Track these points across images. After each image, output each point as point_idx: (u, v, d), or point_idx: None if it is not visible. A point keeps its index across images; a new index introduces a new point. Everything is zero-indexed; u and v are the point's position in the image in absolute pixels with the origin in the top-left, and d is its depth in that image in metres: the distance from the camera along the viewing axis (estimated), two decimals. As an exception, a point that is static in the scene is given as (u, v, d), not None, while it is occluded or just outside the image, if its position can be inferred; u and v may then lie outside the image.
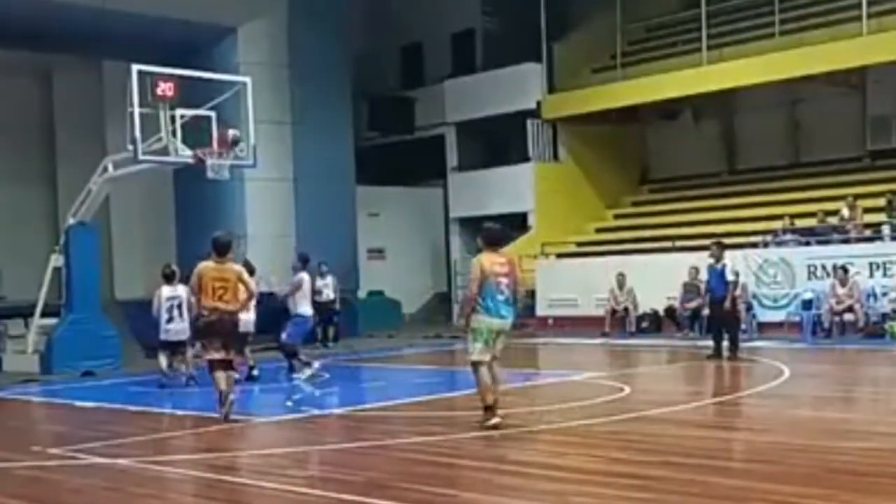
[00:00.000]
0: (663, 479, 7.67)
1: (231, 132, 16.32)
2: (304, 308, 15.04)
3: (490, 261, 9.78)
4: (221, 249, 11.37)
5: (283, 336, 14.95)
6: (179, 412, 12.01)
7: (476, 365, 9.82)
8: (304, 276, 15.16)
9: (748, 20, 24.74)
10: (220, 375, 11.09)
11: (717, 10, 24.70)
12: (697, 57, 24.09)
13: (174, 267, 14.98)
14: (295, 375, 14.78)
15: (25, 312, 18.80)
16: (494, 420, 9.76)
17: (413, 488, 7.67)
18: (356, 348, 20.57)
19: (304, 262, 15.53)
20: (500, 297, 9.73)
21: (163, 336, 14.54)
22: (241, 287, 11.34)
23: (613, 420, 10.54)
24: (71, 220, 17.90)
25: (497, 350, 9.90)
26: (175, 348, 14.62)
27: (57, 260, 17.96)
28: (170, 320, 14.43)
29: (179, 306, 14.40)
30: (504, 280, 9.75)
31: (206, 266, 11.32)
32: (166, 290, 14.56)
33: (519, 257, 24.99)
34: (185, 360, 14.53)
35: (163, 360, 14.50)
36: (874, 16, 21.61)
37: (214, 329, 11.27)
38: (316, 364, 14.92)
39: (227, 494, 7.96)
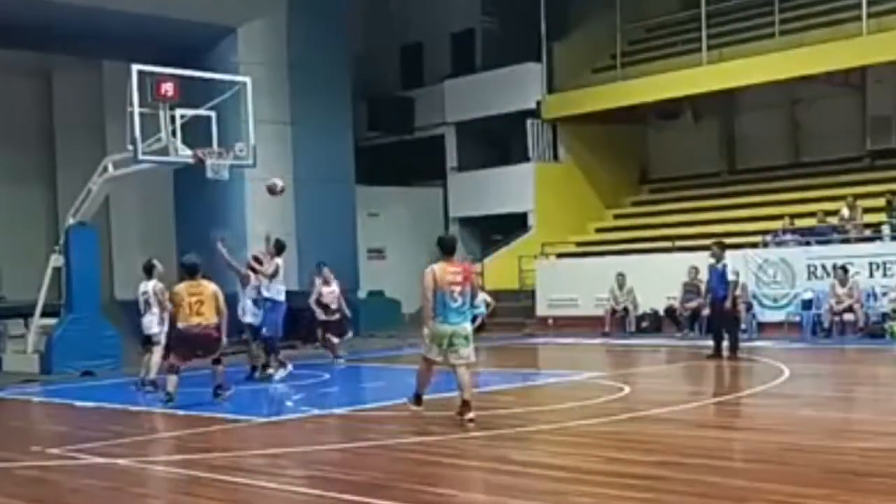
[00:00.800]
0: (663, 479, 7.67)
1: (278, 184, 16.25)
2: (277, 293, 15.06)
3: (443, 270, 10.18)
4: (191, 271, 12.66)
5: (263, 330, 14.91)
6: (180, 412, 12.00)
7: (426, 360, 10.46)
8: (279, 262, 15.25)
9: (748, 20, 24.74)
10: (174, 379, 12.40)
11: (717, 10, 24.70)
12: (697, 57, 24.08)
13: (154, 261, 14.88)
14: (268, 372, 14.85)
15: (25, 312, 18.79)
16: (418, 408, 10.60)
17: (413, 488, 7.67)
18: (356, 348, 20.56)
19: (279, 249, 15.45)
20: (453, 305, 10.13)
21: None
22: (218, 301, 12.46)
23: (613, 420, 10.54)
24: (71, 220, 17.90)
25: (463, 354, 10.24)
26: (147, 342, 14.58)
27: (57, 260, 17.95)
28: (141, 314, 14.49)
29: (147, 301, 14.41)
30: (457, 288, 10.15)
31: (180, 287, 12.61)
32: (141, 285, 14.63)
33: (519, 257, 25.26)
34: (149, 364, 14.29)
35: (147, 359, 14.48)
36: (874, 16, 21.61)
37: (193, 341, 12.47)
38: (290, 366, 14.98)
39: (227, 494, 7.95)
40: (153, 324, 14.33)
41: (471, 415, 10.07)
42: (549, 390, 13.93)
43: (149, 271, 14.66)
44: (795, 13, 23.92)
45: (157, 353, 14.15)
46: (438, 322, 10.16)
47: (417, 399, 10.64)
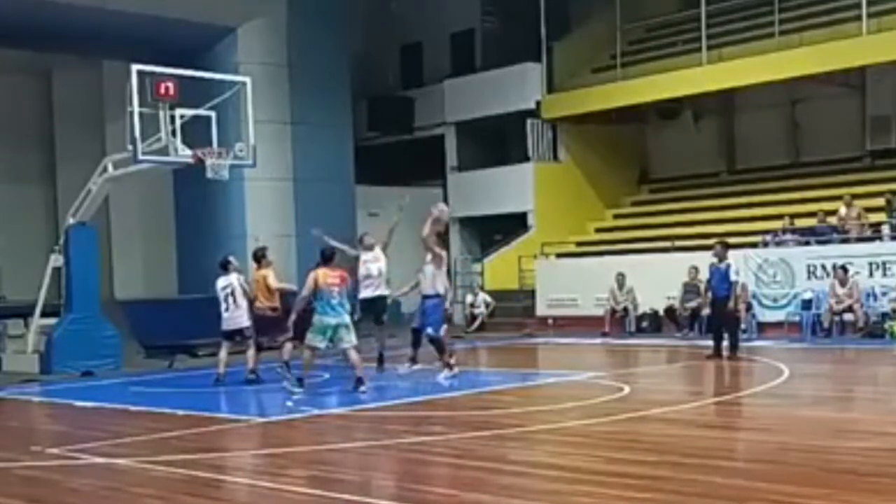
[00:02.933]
0: (663, 479, 7.67)
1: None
2: (439, 286, 14.22)
3: (324, 274, 12.80)
4: (254, 258, 14.74)
5: (430, 330, 14.07)
6: (180, 412, 12.01)
7: (310, 348, 12.82)
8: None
9: (748, 20, 24.71)
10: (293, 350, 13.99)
11: (717, 10, 24.68)
12: (697, 57, 24.07)
13: (230, 258, 14.93)
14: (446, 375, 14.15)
15: (25, 312, 18.77)
16: (301, 390, 12.76)
17: (413, 488, 7.67)
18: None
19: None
20: (333, 301, 12.69)
21: (222, 326, 14.52)
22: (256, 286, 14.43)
23: (613, 420, 10.54)
24: (71, 220, 17.90)
25: (347, 339, 12.80)
26: (233, 337, 14.59)
27: (57, 260, 17.95)
28: (226, 309, 14.44)
29: (233, 293, 14.43)
30: (335, 288, 12.73)
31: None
32: (221, 280, 14.53)
33: (519, 257, 25.27)
34: (247, 358, 14.48)
35: (223, 354, 14.51)
36: (874, 16, 21.59)
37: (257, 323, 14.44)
38: (456, 369, 14.19)
39: (227, 494, 7.96)
40: (244, 318, 14.47)
41: (364, 388, 12.68)
42: (549, 390, 13.92)
43: (226, 266, 14.66)
44: (795, 13, 23.90)
45: (252, 347, 14.49)
46: (324, 315, 12.65)
47: (300, 382, 12.85)
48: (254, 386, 14.16)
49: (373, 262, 15.19)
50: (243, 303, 14.45)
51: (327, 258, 13.15)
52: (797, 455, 8.50)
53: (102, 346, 17.53)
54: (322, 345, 12.81)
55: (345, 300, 12.88)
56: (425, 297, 14.27)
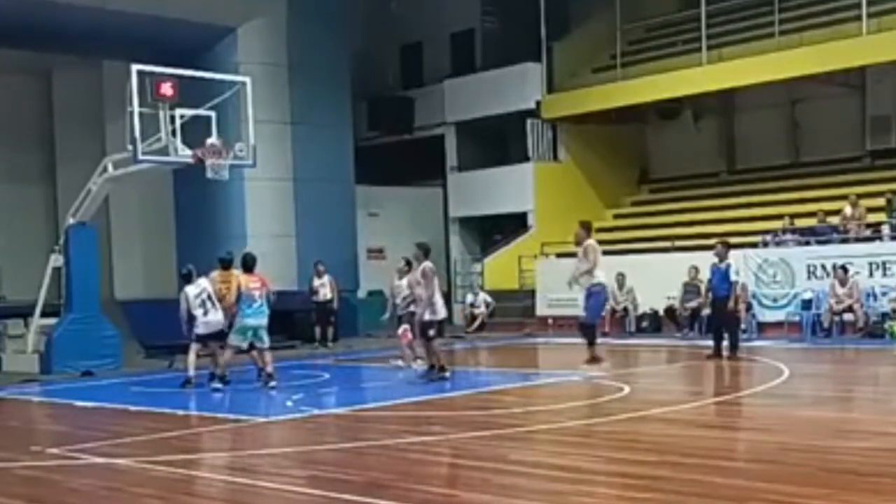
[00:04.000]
0: (663, 479, 7.67)
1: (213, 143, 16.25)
2: (600, 276, 14.59)
3: (246, 279, 13.93)
4: (224, 264, 14.70)
5: (583, 313, 14.53)
6: (180, 412, 12.01)
7: (231, 348, 13.90)
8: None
9: (748, 20, 24.73)
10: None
11: (717, 10, 24.69)
12: (697, 57, 24.08)
13: (190, 267, 14.83)
14: (584, 370, 14.45)
15: (25, 312, 18.78)
16: (225, 386, 13.78)
17: (413, 488, 7.67)
18: (355, 348, 20.58)
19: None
20: (255, 305, 13.80)
21: (201, 330, 14.31)
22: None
23: (613, 420, 10.55)
24: (71, 220, 17.90)
25: (266, 340, 13.95)
26: (210, 340, 14.47)
27: (57, 260, 17.96)
28: (204, 313, 14.30)
29: (210, 298, 14.33)
30: (256, 293, 13.86)
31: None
32: (191, 289, 14.39)
33: (519, 257, 25.27)
34: (220, 361, 14.29)
35: (192, 357, 14.39)
36: (874, 16, 21.60)
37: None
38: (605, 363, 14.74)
39: (227, 494, 7.96)
40: (222, 320, 14.38)
41: (273, 383, 13.60)
42: (549, 390, 13.92)
43: (188, 278, 14.52)
44: (795, 13, 23.91)
45: (221, 351, 14.36)
46: (246, 317, 13.70)
47: (223, 380, 13.82)
48: (226, 386, 14.06)
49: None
50: (218, 305, 14.36)
51: (248, 266, 14.02)
52: (797, 455, 8.50)
53: (102, 346, 17.55)
54: (243, 344, 13.93)
55: (265, 304, 13.88)
56: (593, 285, 14.91)
